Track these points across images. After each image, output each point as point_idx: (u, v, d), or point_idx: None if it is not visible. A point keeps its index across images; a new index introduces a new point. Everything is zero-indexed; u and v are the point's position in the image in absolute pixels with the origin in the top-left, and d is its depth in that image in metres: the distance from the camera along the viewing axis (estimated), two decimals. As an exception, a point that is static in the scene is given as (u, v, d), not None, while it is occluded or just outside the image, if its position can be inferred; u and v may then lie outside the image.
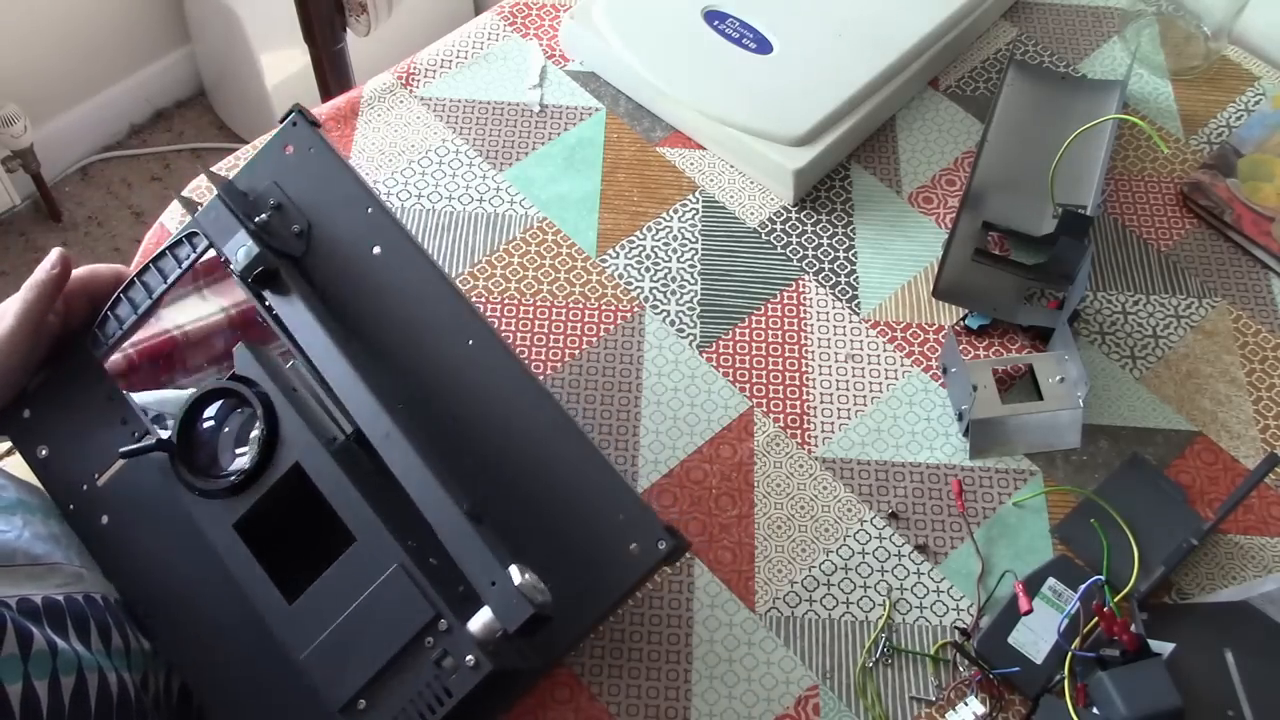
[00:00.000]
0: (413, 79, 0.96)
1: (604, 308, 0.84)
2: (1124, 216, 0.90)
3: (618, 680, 0.70)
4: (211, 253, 0.67)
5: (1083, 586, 0.70)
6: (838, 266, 0.87)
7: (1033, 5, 1.03)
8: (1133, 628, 0.66)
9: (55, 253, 0.68)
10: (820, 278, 0.87)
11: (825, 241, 0.88)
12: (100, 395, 0.68)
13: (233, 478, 0.60)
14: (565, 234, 0.88)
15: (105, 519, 0.66)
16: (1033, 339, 0.84)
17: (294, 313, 0.63)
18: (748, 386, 0.81)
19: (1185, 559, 0.73)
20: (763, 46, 0.92)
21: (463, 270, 0.86)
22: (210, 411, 0.63)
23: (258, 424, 0.60)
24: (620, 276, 0.86)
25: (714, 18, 0.94)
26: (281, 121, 0.70)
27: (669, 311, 0.84)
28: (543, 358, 0.82)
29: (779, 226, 0.89)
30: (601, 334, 0.83)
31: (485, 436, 0.63)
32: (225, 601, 0.62)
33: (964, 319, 0.84)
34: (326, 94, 1.38)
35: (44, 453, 0.68)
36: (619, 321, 0.84)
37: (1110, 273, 0.87)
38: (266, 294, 0.65)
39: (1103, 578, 0.72)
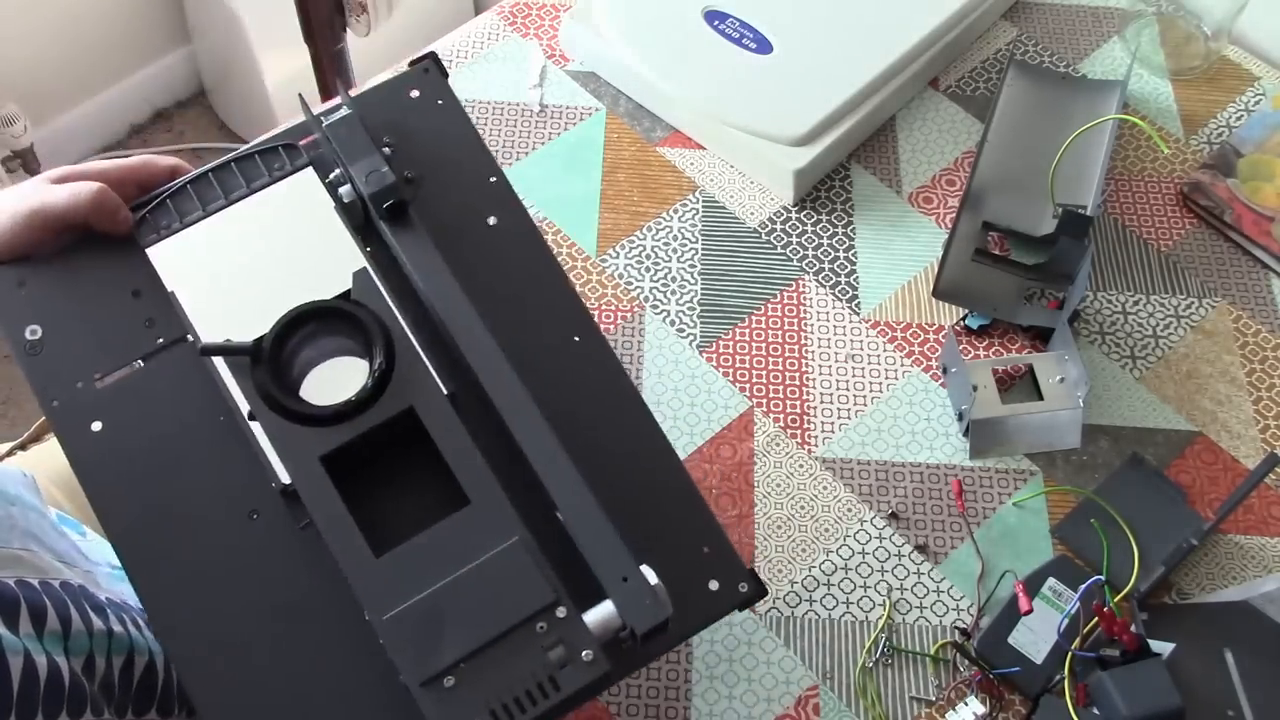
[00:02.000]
0: (413, 79, 0.96)
1: (604, 308, 0.84)
2: (1124, 216, 0.90)
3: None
4: (306, 170, 0.61)
5: (1083, 586, 0.70)
6: (838, 266, 0.87)
7: (1033, 5, 1.03)
8: (1133, 628, 0.66)
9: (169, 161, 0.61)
10: (820, 278, 0.87)
11: (825, 241, 0.88)
12: (126, 288, 0.59)
13: (336, 406, 0.53)
14: (565, 234, 0.88)
15: (98, 425, 0.57)
16: (1033, 339, 0.84)
17: (419, 250, 0.57)
18: (748, 386, 0.81)
19: (1185, 559, 0.73)
20: (763, 46, 0.92)
21: (463, 270, 0.86)
22: (304, 331, 0.55)
23: (375, 355, 0.54)
24: (620, 276, 0.86)
25: (714, 18, 0.94)
26: (412, 65, 0.65)
27: (669, 311, 0.84)
28: (543, 358, 0.82)
29: (779, 226, 0.89)
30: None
31: (577, 439, 0.56)
32: (248, 536, 0.55)
33: (964, 319, 0.84)
34: (326, 94, 1.38)
35: (35, 333, 0.58)
36: (619, 321, 0.84)
37: (1110, 273, 0.87)
38: (386, 230, 0.58)
39: (1103, 578, 0.72)
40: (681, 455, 0.78)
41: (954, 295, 0.84)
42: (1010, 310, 0.83)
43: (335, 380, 0.55)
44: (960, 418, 0.79)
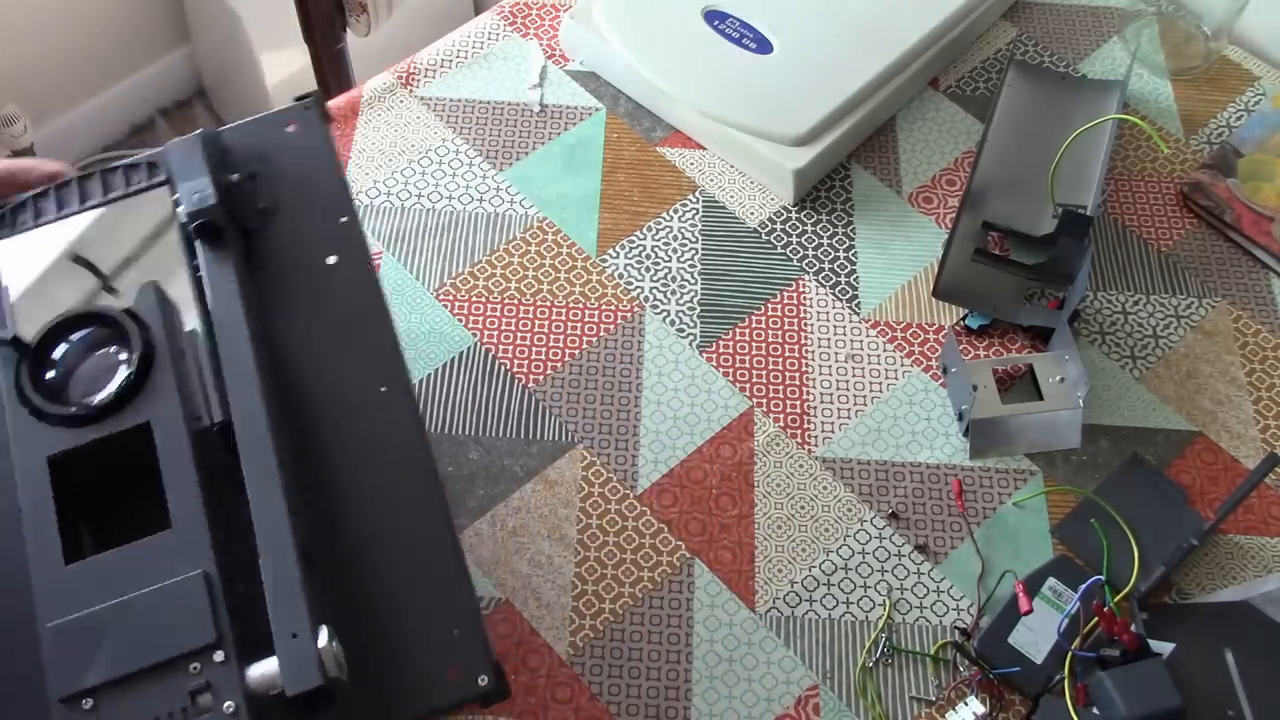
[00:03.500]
0: (413, 79, 0.96)
1: (604, 308, 0.84)
2: (1124, 216, 0.91)
3: (618, 680, 0.70)
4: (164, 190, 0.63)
5: (1083, 586, 0.70)
6: (838, 266, 0.87)
7: (1033, 5, 1.03)
8: (1133, 628, 0.66)
9: None
10: (820, 278, 0.87)
11: (825, 241, 0.88)
12: None
13: (74, 408, 0.53)
14: (565, 234, 0.88)
15: None
16: (1033, 339, 0.84)
17: (220, 276, 0.58)
18: (748, 386, 0.81)
19: (1185, 559, 0.73)
20: (763, 46, 0.92)
21: (463, 270, 0.86)
22: (78, 335, 0.56)
23: (127, 365, 0.54)
24: (620, 276, 0.86)
25: (714, 18, 0.94)
26: (297, 100, 0.67)
27: (669, 311, 0.84)
28: (543, 358, 0.82)
29: (779, 226, 0.89)
30: (601, 334, 0.83)
31: (352, 493, 0.56)
32: None
33: (964, 319, 0.84)
34: (326, 94, 1.38)
35: None
36: (619, 321, 0.84)
37: (1110, 273, 0.87)
38: (199, 249, 0.59)
39: (1103, 578, 0.72)
40: (681, 455, 0.78)
41: (954, 295, 0.84)
42: (1010, 310, 0.83)
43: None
44: (960, 418, 0.79)
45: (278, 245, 0.62)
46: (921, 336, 0.84)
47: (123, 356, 0.55)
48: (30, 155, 1.80)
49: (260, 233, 0.62)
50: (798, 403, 0.81)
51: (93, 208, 0.62)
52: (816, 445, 0.79)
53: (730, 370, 0.82)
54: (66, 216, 0.62)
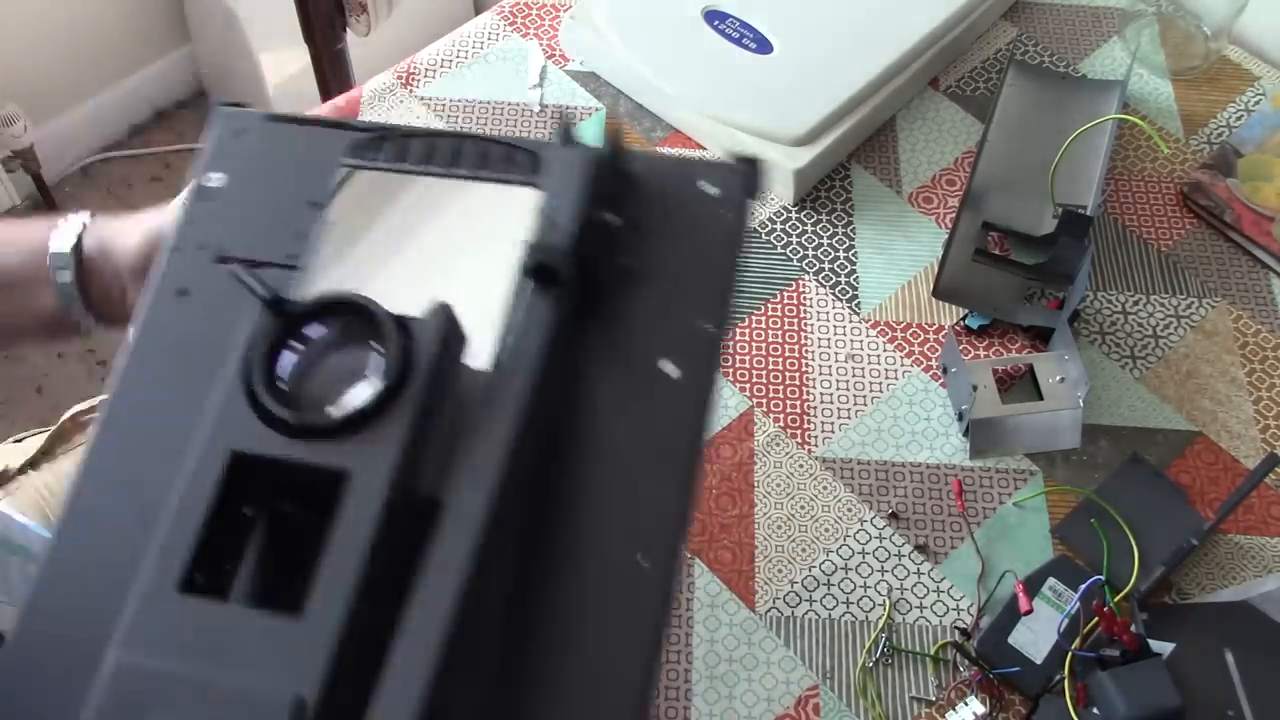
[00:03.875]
0: (413, 79, 0.96)
1: (604, 308, 0.84)
2: (1124, 216, 0.91)
3: (618, 680, 0.70)
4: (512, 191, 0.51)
5: (1083, 586, 0.70)
6: (838, 266, 0.87)
7: (1033, 5, 1.03)
8: (1133, 628, 0.66)
9: None
10: (820, 278, 0.87)
11: (825, 241, 0.88)
12: (309, 196, 0.51)
13: (285, 410, 0.42)
14: (565, 234, 0.88)
15: (186, 296, 0.50)
16: (1033, 339, 0.84)
17: (531, 329, 0.46)
18: (748, 386, 0.81)
19: (1185, 559, 0.73)
20: (763, 46, 0.92)
21: (463, 270, 0.86)
22: (336, 322, 0.45)
23: (365, 390, 0.43)
24: (620, 276, 0.86)
25: (714, 18, 0.94)
26: (743, 164, 0.53)
27: (669, 311, 0.84)
28: (543, 358, 0.82)
29: (779, 226, 0.89)
30: (601, 334, 0.83)
31: (538, 681, 0.43)
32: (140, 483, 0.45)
33: (964, 319, 0.84)
34: (326, 94, 1.38)
35: (219, 181, 0.52)
36: (619, 321, 0.84)
37: (1110, 273, 0.87)
38: (525, 286, 0.48)
39: (1103, 578, 0.72)
40: (682, 455, 0.78)
41: (954, 295, 0.84)
42: (1010, 310, 0.83)
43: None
44: (960, 418, 0.79)
45: (617, 319, 0.49)
46: (921, 336, 0.84)
47: (368, 374, 0.44)
48: (31, 156, 1.80)
49: (607, 292, 0.49)
50: (798, 403, 0.81)
51: (456, 176, 0.52)
52: (816, 445, 0.79)
53: (730, 370, 0.82)
54: (425, 174, 0.52)
